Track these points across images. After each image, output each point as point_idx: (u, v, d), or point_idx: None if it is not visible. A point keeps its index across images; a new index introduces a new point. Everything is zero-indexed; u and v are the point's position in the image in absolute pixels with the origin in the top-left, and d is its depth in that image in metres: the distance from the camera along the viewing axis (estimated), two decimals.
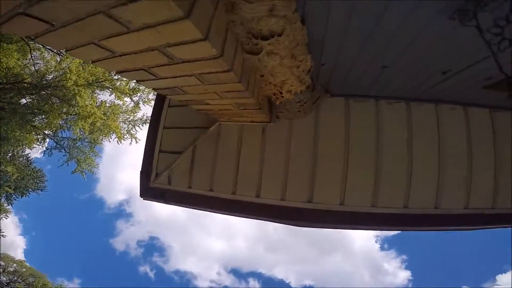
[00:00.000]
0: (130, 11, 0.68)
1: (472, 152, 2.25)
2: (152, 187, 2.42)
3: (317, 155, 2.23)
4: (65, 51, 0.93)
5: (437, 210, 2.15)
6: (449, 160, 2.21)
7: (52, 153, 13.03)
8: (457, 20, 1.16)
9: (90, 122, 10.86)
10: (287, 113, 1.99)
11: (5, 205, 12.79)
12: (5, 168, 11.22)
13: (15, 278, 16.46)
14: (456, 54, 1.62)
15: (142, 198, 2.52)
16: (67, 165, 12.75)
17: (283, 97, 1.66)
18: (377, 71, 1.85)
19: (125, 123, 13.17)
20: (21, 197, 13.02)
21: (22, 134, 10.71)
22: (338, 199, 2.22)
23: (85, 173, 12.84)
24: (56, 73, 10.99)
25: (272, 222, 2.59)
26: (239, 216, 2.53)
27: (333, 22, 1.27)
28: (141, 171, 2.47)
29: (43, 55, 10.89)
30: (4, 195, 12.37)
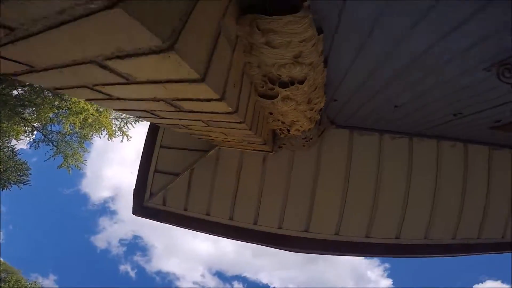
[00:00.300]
0: (128, 65, 0.54)
1: (467, 187, 2.31)
2: (146, 206, 2.30)
3: (316, 186, 2.22)
4: (54, 90, 0.79)
5: (426, 240, 2.23)
6: (444, 195, 2.26)
7: (39, 145, 12.53)
8: (494, 72, 1.06)
9: (81, 118, 10.51)
10: (290, 146, 1.89)
11: None
12: None
13: None
14: (473, 100, 1.56)
15: (134, 215, 2.42)
16: (54, 159, 12.29)
17: (289, 133, 1.55)
18: (388, 109, 1.78)
19: (117, 120, 12.83)
20: (2, 190, 12.41)
21: (9, 125, 10.26)
22: (334, 230, 2.23)
23: (71, 168, 12.38)
24: None
25: (266, 247, 2.53)
26: (235, 240, 2.47)
27: (359, 65, 1.16)
28: (134, 189, 2.35)
29: None
30: None
